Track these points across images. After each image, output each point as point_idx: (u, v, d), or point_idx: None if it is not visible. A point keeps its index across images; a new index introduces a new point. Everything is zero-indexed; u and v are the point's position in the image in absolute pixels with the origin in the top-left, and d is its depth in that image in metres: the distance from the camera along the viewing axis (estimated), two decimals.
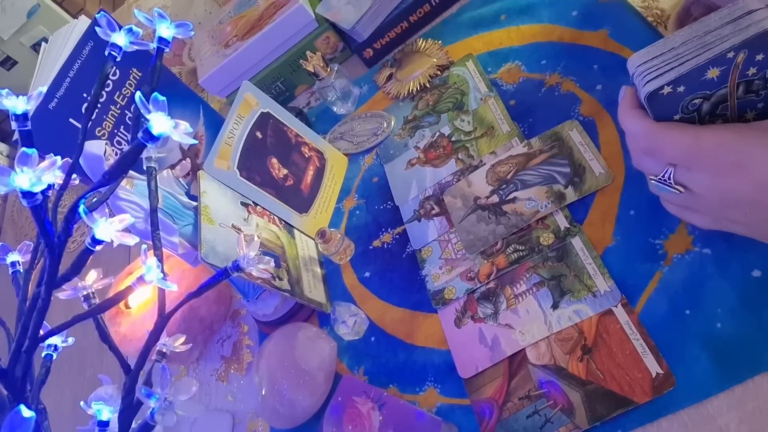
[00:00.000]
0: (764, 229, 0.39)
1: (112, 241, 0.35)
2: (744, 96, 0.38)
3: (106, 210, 0.45)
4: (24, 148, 0.31)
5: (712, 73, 0.36)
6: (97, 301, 0.44)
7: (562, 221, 0.54)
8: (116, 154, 0.62)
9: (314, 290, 0.65)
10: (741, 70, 0.36)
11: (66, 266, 0.37)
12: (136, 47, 0.41)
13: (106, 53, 0.41)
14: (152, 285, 0.38)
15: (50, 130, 0.61)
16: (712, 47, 0.36)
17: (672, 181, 0.40)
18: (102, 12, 0.46)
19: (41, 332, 0.37)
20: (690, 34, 0.37)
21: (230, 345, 0.73)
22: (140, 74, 0.68)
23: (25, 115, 0.37)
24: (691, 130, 0.38)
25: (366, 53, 0.82)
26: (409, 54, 0.79)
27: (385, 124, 0.75)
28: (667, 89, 0.37)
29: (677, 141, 0.38)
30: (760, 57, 0.36)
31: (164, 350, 0.47)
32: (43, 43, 0.72)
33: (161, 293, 0.42)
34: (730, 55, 0.35)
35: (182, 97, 0.75)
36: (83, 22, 0.67)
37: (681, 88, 0.37)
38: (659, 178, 0.41)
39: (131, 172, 0.58)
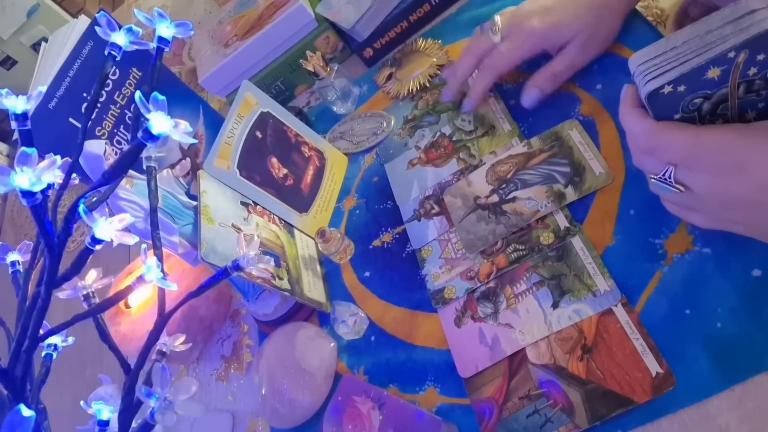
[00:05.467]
0: (764, 229, 0.39)
1: (111, 241, 0.35)
2: (745, 96, 0.38)
3: (106, 209, 0.45)
4: (24, 148, 0.31)
5: (713, 72, 0.36)
6: (97, 300, 0.44)
7: (562, 221, 0.54)
8: (116, 154, 0.62)
9: (314, 290, 0.65)
10: (742, 70, 0.36)
11: (66, 266, 0.37)
12: (135, 47, 0.41)
13: (106, 53, 0.40)
14: (152, 284, 0.38)
15: (50, 130, 0.61)
16: (713, 47, 0.36)
17: (672, 181, 0.40)
18: (102, 11, 0.46)
19: (41, 332, 0.37)
20: (691, 33, 0.37)
21: (230, 345, 0.73)
22: (140, 74, 0.68)
23: (24, 115, 0.37)
24: (691, 130, 0.38)
25: (366, 53, 0.82)
26: (409, 53, 0.79)
27: (384, 124, 0.75)
28: (667, 88, 0.37)
29: (678, 140, 0.38)
30: (761, 57, 0.36)
31: (164, 350, 0.47)
32: (43, 43, 0.72)
33: (161, 293, 0.42)
34: (731, 54, 0.35)
35: (182, 97, 0.75)
36: (83, 22, 0.67)
37: (682, 88, 0.37)
38: (659, 178, 0.40)
39: (131, 172, 0.58)
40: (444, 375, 0.54)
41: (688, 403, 0.42)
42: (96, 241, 0.35)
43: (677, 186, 0.40)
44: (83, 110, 0.63)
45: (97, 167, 0.57)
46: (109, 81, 0.65)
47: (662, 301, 0.46)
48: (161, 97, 0.35)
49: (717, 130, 0.37)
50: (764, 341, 0.40)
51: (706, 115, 0.39)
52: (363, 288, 0.65)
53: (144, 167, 0.48)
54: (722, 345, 0.42)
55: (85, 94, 0.64)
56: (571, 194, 0.54)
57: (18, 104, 0.37)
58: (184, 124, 0.35)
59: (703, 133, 0.37)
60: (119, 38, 0.40)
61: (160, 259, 0.40)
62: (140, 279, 0.38)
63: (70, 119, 0.63)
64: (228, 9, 0.95)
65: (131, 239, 0.36)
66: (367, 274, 0.65)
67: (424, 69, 0.75)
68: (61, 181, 0.38)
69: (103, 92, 0.65)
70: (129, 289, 0.39)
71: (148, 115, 0.34)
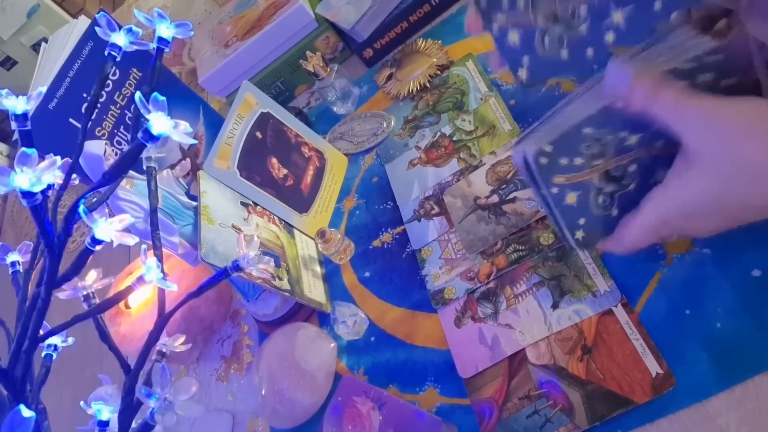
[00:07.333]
0: (731, 209, 0.38)
1: (111, 241, 0.35)
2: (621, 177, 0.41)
3: (106, 210, 0.45)
4: (24, 148, 0.31)
5: (571, 198, 0.40)
6: (97, 301, 0.44)
7: None
8: (116, 154, 0.62)
9: (314, 290, 0.65)
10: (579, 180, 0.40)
11: (66, 266, 0.37)
12: (135, 47, 0.41)
13: (106, 53, 0.41)
14: (152, 285, 0.38)
15: (50, 130, 0.61)
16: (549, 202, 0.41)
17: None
18: (102, 12, 0.46)
19: (41, 332, 0.37)
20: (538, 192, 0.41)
21: (230, 345, 0.73)
22: (140, 74, 0.68)
23: (24, 115, 0.37)
24: (618, 241, 0.43)
25: (366, 53, 0.82)
26: (409, 54, 0.79)
27: (385, 124, 0.75)
28: (580, 233, 0.42)
29: (618, 247, 0.43)
30: (564, 160, 0.39)
31: (164, 350, 0.47)
32: (43, 43, 0.72)
33: (161, 293, 0.42)
34: (555, 191, 0.40)
35: (182, 97, 0.75)
36: (83, 22, 0.67)
37: (582, 220, 0.42)
38: None
39: (131, 172, 0.58)
40: (444, 375, 0.54)
41: (688, 404, 0.42)
42: (96, 241, 0.35)
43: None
44: (83, 110, 0.63)
45: (97, 167, 0.57)
46: (109, 81, 0.66)
47: (662, 302, 0.46)
48: (161, 98, 0.35)
49: (634, 226, 0.41)
50: (764, 341, 0.40)
51: (628, 190, 0.42)
52: (363, 288, 0.65)
53: (144, 168, 0.48)
54: (722, 345, 0.42)
55: (85, 95, 0.64)
56: None
57: (18, 105, 0.37)
58: (184, 125, 0.35)
59: (626, 237, 0.42)
60: (119, 39, 0.40)
61: (160, 259, 0.40)
62: (140, 279, 0.38)
63: (70, 119, 0.63)
64: (228, 9, 0.95)
65: (131, 240, 0.36)
66: (367, 274, 0.65)
67: (424, 69, 0.75)
68: (61, 182, 0.38)
69: (103, 93, 0.65)
70: (129, 290, 0.39)
71: (148, 116, 0.34)
